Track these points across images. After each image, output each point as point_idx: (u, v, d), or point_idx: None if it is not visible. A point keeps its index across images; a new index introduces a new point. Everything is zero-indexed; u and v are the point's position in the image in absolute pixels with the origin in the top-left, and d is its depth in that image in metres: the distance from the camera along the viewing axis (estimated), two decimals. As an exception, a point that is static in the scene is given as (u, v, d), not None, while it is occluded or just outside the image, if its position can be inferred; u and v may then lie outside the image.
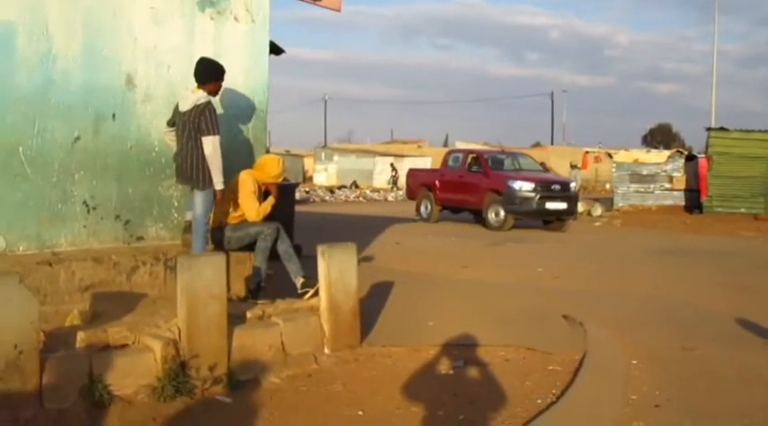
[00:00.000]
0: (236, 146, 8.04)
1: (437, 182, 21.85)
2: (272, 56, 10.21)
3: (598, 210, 27.29)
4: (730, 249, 16.16)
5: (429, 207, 22.02)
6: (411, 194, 23.27)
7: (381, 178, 55.40)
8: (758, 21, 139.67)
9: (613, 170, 30.92)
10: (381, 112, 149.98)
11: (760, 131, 26.72)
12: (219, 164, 7.00)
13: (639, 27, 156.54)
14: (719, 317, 8.54)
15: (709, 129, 27.49)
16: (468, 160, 21.48)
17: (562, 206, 19.85)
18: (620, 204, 29.31)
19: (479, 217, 21.09)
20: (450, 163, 22.13)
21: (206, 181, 7.03)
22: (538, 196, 19.36)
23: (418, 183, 22.86)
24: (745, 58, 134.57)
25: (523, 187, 19.56)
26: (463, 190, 20.89)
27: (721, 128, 27.23)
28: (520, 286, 10.34)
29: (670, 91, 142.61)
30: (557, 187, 20.02)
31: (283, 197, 13.16)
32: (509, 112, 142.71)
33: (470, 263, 12.54)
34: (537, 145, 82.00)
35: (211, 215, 7.33)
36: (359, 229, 17.74)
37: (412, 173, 24.41)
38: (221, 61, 7.47)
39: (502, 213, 19.54)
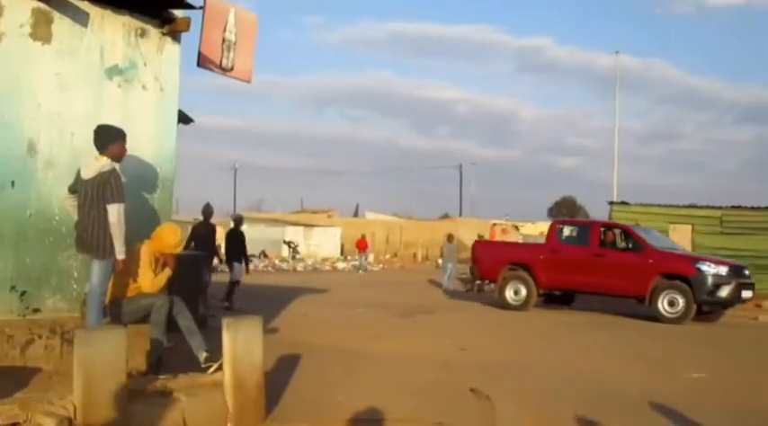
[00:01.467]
0: (141, 216, 7.88)
1: (541, 259, 17.80)
2: (181, 124, 10.14)
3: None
4: (634, 322, 16.12)
5: (524, 291, 17.84)
6: (486, 272, 19.06)
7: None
8: (656, 100, 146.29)
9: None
10: (292, 181, 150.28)
11: (659, 205, 27.64)
12: (122, 233, 6.85)
13: (543, 103, 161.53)
14: (625, 391, 8.56)
15: (611, 203, 28.02)
16: (604, 234, 17.46)
17: (749, 294, 16.57)
18: None
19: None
20: (565, 235, 18.25)
21: (106, 251, 6.85)
22: (735, 282, 16.13)
23: (500, 260, 18.64)
24: (644, 135, 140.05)
25: (719, 271, 16.19)
26: (601, 272, 16.82)
27: (623, 202, 27.70)
28: (428, 358, 10.33)
29: (574, 164, 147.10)
30: (746, 272, 16.73)
31: (193, 267, 12.97)
32: (419, 183, 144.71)
33: (379, 335, 12.46)
34: (445, 216, 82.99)
35: (110, 287, 7.13)
36: (266, 300, 17.53)
37: (485, 247, 20.17)
38: (128, 129, 7.36)
39: (681, 302, 15.97)
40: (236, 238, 16.20)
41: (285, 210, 77.56)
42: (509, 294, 18.00)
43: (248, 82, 9.48)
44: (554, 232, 18.42)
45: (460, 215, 79.17)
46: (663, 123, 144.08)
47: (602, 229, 17.64)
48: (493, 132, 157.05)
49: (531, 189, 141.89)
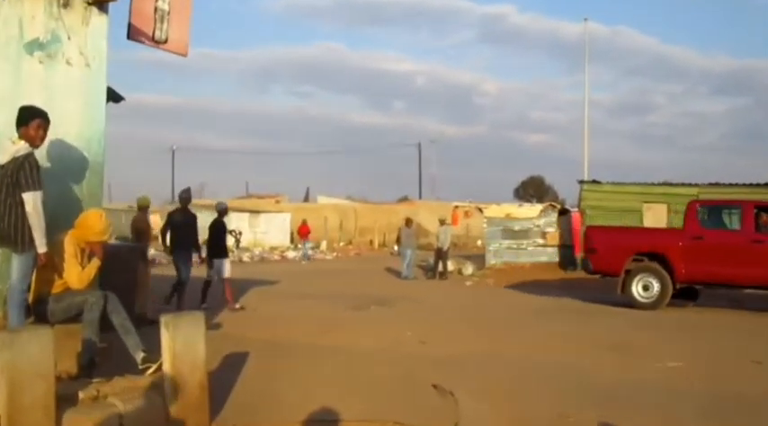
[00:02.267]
0: (68, 203, 7.74)
1: (680, 247, 15.91)
2: (111, 103, 9.98)
3: (469, 269, 27.95)
4: (606, 308, 16.42)
5: (657, 286, 16.00)
6: (605, 265, 16.86)
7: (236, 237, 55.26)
8: (626, 70, 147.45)
9: (484, 225, 31.81)
10: (236, 164, 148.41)
11: (632, 184, 27.68)
12: (41, 224, 6.68)
13: (508, 75, 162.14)
14: (597, 380, 8.69)
15: (581, 182, 28.51)
16: (757, 215, 15.57)
17: None
18: (493, 261, 30.10)
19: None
20: (707, 218, 16.27)
21: (25, 244, 6.71)
22: None
23: (623, 249, 16.66)
24: (615, 107, 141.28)
25: None
26: (763, 262, 14.99)
27: (593, 181, 28.17)
28: (386, 352, 10.34)
29: (541, 141, 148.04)
30: None
31: (127, 259, 12.79)
32: (374, 164, 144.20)
33: (332, 329, 12.47)
34: (404, 199, 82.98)
35: (33, 283, 6.98)
36: (209, 294, 17.11)
37: (603, 234, 17.79)
38: (51, 108, 7.23)
39: None
40: (219, 231, 15.68)
41: (229, 196, 77.24)
42: (637, 290, 16.19)
43: (184, 55, 9.36)
44: (693, 214, 16.16)
45: (420, 197, 79.10)
46: (634, 95, 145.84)
47: (755, 210, 15.65)
48: (454, 107, 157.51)
49: (497, 168, 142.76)
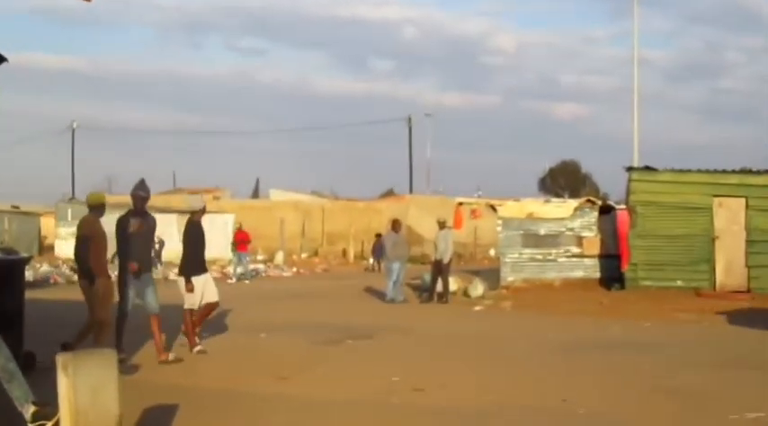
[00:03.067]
0: None
1: None
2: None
3: (479, 289, 27.60)
4: (662, 339, 16.70)
5: None
6: None
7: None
8: (690, 17, 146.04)
9: (499, 229, 31.30)
10: (158, 148, 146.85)
11: (698, 171, 27.27)
12: None
13: (528, 24, 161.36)
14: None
15: (629, 169, 28.07)
16: None
17: None
18: (511, 279, 29.99)
19: None
20: None
21: None
22: None
23: None
24: (675, 68, 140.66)
25: None
26: None
27: (646, 168, 27.86)
28: (366, 405, 10.26)
29: (575, 114, 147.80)
30: None
31: (9, 278, 12.61)
32: (347, 147, 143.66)
33: (292, 373, 12.45)
34: (389, 193, 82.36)
35: None
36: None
37: None
38: None
39: None
40: (198, 237, 15.60)
41: (150, 190, 76.62)
42: None
43: (87, 0, 9.30)
44: None
45: (411, 191, 78.11)
46: (700, 52, 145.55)
47: None
48: (456, 69, 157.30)
49: (514, 151, 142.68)
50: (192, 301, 15.21)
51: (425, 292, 27.60)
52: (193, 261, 15.39)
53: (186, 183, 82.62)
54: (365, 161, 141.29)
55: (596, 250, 30.68)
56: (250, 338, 16.85)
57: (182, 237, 16.03)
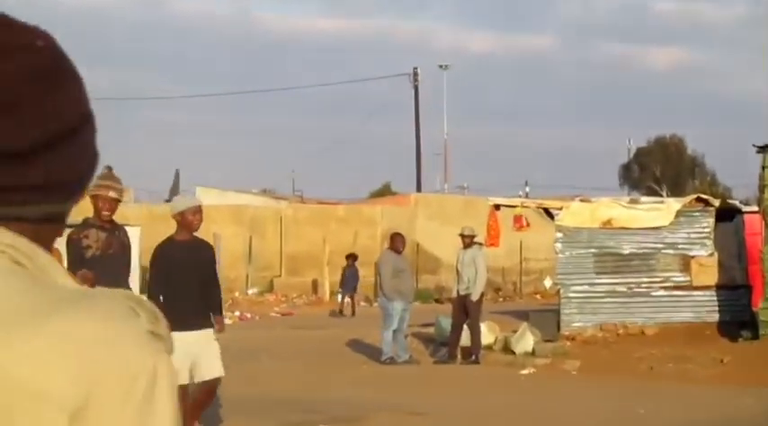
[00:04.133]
0: None
1: None
2: None
3: (527, 341, 26.84)
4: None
5: None
6: None
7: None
8: None
9: (558, 246, 31.81)
10: None
11: None
12: None
13: None
14: None
15: (763, 149, 28.33)
16: None
17: None
18: (577, 324, 30.14)
19: None
20: None
21: None
22: None
23: None
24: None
25: None
26: None
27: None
28: None
29: (677, 65, 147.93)
30: None
31: None
32: (319, 121, 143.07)
33: None
34: (385, 192, 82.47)
35: None
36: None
37: None
38: None
39: None
40: (180, 263, 15.20)
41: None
42: None
43: None
44: None
45: (418, 188, 76.47)
46: None
47: None
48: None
49: (581, 124, 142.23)
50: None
51: (443, 346, 27.69)
52: (171, 307, 13.29)
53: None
54: (347, 143, 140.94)
55: (712, 278, 29.74)
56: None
57: (149, 264, 15.45)
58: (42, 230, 2.03)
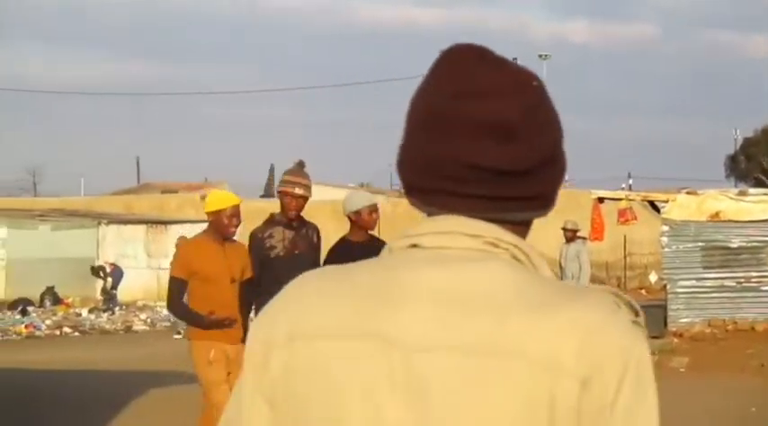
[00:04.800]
0: None
1: None
2: None
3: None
4: None
5: None
6: None
7: None
8: None
9: (664, 240, 31.46)
10: (102, 121, 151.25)
11: None
12: None
13: None
14: None
15: None
16: None
17: None
18: (685, 320, 30.07)
19: None
20: None
21: None
22: None
23: None
24: None
25: None
26: None
27: None
28: None
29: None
30: None
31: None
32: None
33: None
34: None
35: None
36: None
37: None
38: None
39: None
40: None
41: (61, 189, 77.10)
42: None
43: None
44: None
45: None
46: None
47: None
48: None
49: (685, 115, 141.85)
50: None
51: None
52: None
53: (157, 175, 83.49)
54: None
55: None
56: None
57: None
58: (517, 231, 2.54)
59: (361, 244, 13.34)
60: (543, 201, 2.54)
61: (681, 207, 29.47)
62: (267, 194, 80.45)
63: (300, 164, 13.73)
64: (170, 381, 22.33)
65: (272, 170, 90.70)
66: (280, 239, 13.25)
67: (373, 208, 14.16)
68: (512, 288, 2.33)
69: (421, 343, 2.30)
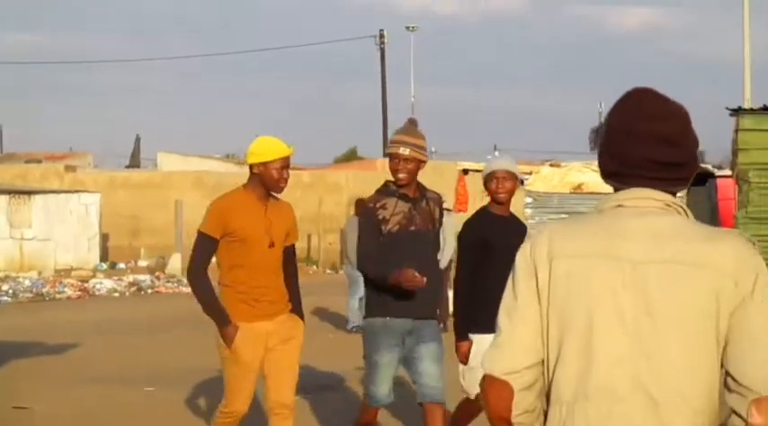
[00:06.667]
0: None
1: None
2: None
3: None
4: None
5: None
6: None
7: None
8: None
9: (528, 212, 31.86)
10: None
11: None
12: None
13: None
14: None
15: (736, 112, 27.59)
16: None
17: None
18: None
19: None
20: None
21: None
22: None
23: None
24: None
25: None
26: None
27: (765, 108, 27.58)
28: None
29: (648, 25, 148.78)
30: None
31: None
32: (280, 83, 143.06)
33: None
34: (351, 157, 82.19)
35: None
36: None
37: None
38: None
39: None
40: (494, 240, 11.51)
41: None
42: None
43: None
44: None
45: (385, 154, 78.18)
46: None
47: None
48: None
49: (552, 87, 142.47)
50: (472, 383, 10.13)
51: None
52: (482, 297, 11.03)
53: (20, 146, 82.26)
54: (310, 106, 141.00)
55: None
56: (131, 391, 17.13)
57: (458, 243, 12.62)
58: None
59: (500, 218, 12.13)
60: (687, 181, 4.24)
61: (544, 179, 30.31)
62: (132, 165, 79.15)
63: (412, 122, 12.04)
64: (35, 352, 22.36)
65: (137, 140, 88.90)
66: (392, 212, 11.29)
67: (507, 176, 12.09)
68: (686, 228, 4.02)
69: (641, 259, 3.91)
